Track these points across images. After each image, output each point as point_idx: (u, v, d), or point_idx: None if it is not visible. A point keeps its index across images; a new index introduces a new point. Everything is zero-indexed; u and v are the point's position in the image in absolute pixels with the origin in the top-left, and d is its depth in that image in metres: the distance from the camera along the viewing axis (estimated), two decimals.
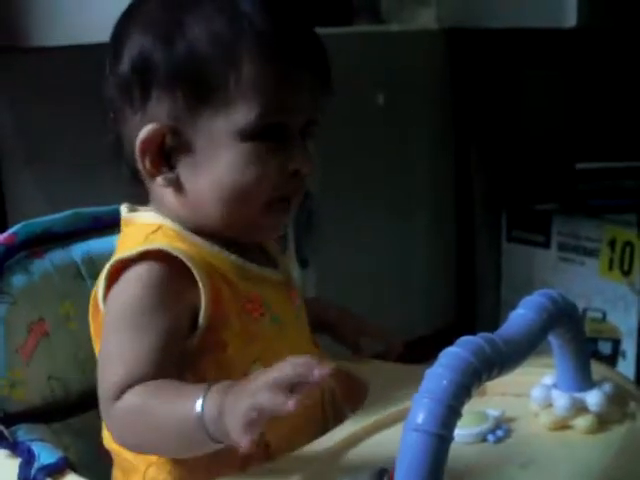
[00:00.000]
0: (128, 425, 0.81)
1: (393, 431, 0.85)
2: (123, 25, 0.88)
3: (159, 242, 0.85)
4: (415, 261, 2.30)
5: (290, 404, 0.71)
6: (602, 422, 0.87)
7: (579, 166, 2.27)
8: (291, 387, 0.73)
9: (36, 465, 0.85)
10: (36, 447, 0.88)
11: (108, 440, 0.90)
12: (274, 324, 0.89)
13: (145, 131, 0.85)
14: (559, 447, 0.85)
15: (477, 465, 0.82)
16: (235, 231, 0.89)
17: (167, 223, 0.88)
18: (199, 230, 0.88)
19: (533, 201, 2.28)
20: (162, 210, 0.89)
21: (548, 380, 0.91)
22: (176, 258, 0.83)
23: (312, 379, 0.72)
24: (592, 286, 2.19)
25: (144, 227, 0.88)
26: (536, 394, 0.90)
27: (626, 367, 2.16)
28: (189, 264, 0.83)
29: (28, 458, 0.86)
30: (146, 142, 0.85)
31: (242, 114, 0.83)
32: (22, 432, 0.90)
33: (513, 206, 2.31)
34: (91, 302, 0.88)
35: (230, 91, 0.83)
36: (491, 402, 0.91)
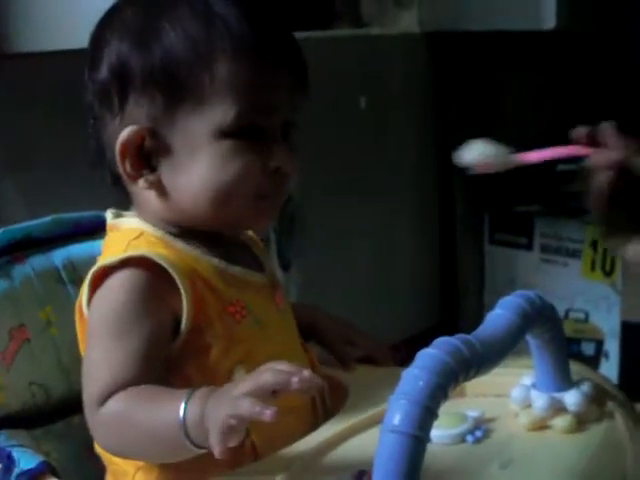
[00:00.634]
0: (111, 431, 0.81)
1: (372, 433, 0.85)
2: (100, 33, 0.89)
3: (141, 249, 0.85)
4: (398, 264, 2.31)
5: (268, 413, 0.71)
6: (581, 422, 0.88)
7: (560, 167, 2.28)
8: (272, 392, 0.73)
9: (16, 471, 0.85)
10: (16, 453, 0.88)
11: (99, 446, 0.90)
12: (257, 327, 0.89)
13: (124, 133, 0.85)
14: (538, 447, 0.85)
15: (456, 466, 0.82)
16: (220, 227, 0.90)
17: (149, 229, 0.88)
18: (183, 232, 0.88)
19: (515, 203, 2.29)
20: (144, 215, 0.90)
21: (527, 380, 0.92)
22: (158, 265, 0.83)
23: (292, 386, 0.72)
24: (575, 287, 2.20)
25: (127, 233, 0.89)
26: (515, 394, 0.91)
27: (609, 367, 2.17)
28: (170, 270, 0.83)
29: (8, 464, 0.86)
30: (125, 144, 0.86)
31: (219, 113, 0.84)
32: (2, 438, 0.90)
33: (495, 208, 2.32)
34: (76, 308, 0.89)
35: (206, 91, 0.84)
36: (471, 403, 0.91)
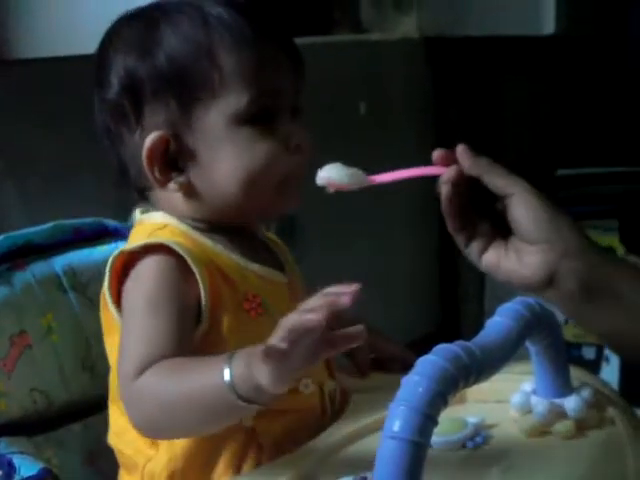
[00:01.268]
0: (149, 403, 0.81)
1: (373, 439, 0.85)
2: (103, 54, 0.91)
3: (161, 238, 0.87)
4: (398, 269, 2.31)
5: (317, 316, 0.71)
6: (581, 427, 0.88)
7: (560, 172, 2.29)
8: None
9: (17, 478, 0.86)
10: (17, 460, 0.88)
11: (112, 439, 0.91)
12: (273, 324, 0.90)
13: (148, 141, 0.87)
14: (538, 453, 0.85)
15: (456, 472, 0.82)
16: (249, 218, 0.92)
17: (173, 222, 0.90)
18: (207, 228, 0.90)
19: None
20: (174, 213, 0.91)
21: (527, 386, 0.92)
22: (176, 253, 0.85)
23: (341, 302, 0.72)
24: None
25: (151, 225, 0.91)
26: (515, 400, 0.91)
27: (610, 372, 2.17)
28: (187, 258, 0.85)
29: (8, 471, 0.87)
30: (151, 151, 0.87)
31: (232, 103, 0.86)
32: (3, 445, 0.90)
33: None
34: (101, 298, 0.90)
35: (215, 86, 0.86)
36: (471, 409, 0.92)
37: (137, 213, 0.94)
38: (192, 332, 0.85)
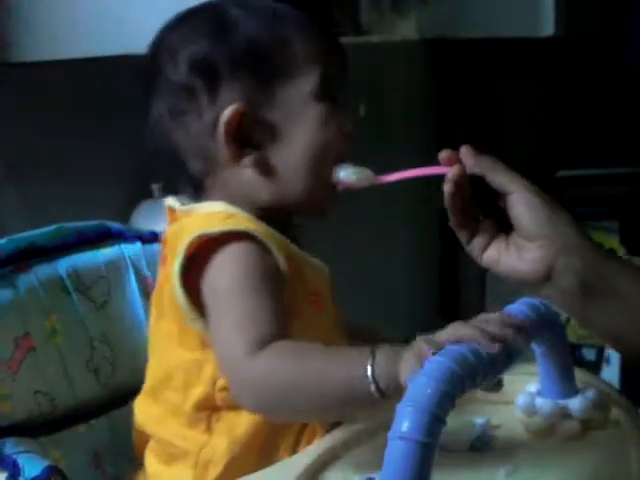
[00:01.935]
0: (268, 384, 0.80)
1: (380, 440, 0.85)
2: (168, 39, 0.93)
3: (242, 225, 0.87)
4: (398, 271, 2.31)
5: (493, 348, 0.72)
6: (586, 428, 0.88)
7: (560, 174, 2.29)
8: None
9: (21, 479, 0.85)
10: (21, 460, 0.88)
11: (152, 428, 0.92)
12: (328, 318, 0.92)
13: (227, 114, 0.88)
14: (544, 453, 0.86)
15: (462, 472, 0.82)
16: (310, 205, 0.93)
17: (238, 212, 0.90)
18: (267, 216, 0.90)
19: None
20: (231, 199, 0.91)
21: (532, 388, 0.92)
22: (260, 241, 0.85)
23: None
24: None
25: (214, 214, 0.90)
26: (521, 401, 0.91)
27: (610, 373, 2.17)
28: (271, 247, 0.85)
29: (13, 471, 0.86)
30: (229, 125, 0.88)
31: (307, 81, 0.90)
32: (9, 445, 0.90)
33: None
34: (160, 280, 0.91)
35: (290, 64, 0.90)
36: (477, 410, 0.91)
37: (174, 203, 0.94)
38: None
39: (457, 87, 2.30)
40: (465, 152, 0.88)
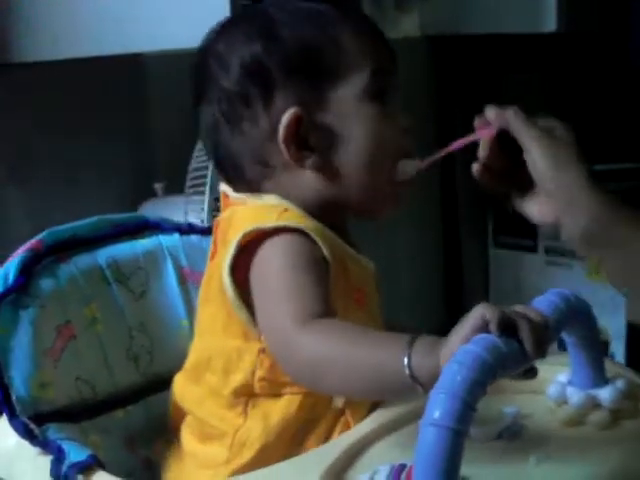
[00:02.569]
0: (312, 357, 0.81)
1: (411, 428, 0.86)
2: (216, 46, 0.93)
3: (294, 221, 0.87)
4: (402, 269, 2.28)
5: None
6: (616, 418, 0.89)
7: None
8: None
9: (66, 462, 0.88)
10: (65, 445, 0.90)
11: (192, 407, 0.94)
12: (368, 316, 0.92)
13: (286, 118, 0.89)
14: (574, 443, 0.86)
15: (493, 462, 0.83)
16: (372, 204, 0.94)
17: (292, 207, 0.90)
18: (320, 215, 0.91)
19: None
20: (289, 200, 0.91)
21: (563, 377, 0.93)
22: (309, 235, 0.86)
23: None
24: (580, 289, 2.15)
25: (269, 207, 0.91)
26: (551, 391, 0.92)
27: None
28: (322, 246, 0.86)
29: (58, 456, 0.89)
30: (289, 128, 0.89)
31: (358, 79, 0.91)
32: (52, 431, 0.92)
33: (499, 211, 2.30)
34: (210, 269, 0.92)
35: (341, 64, 0.90)
36: (507, 399, 0.92)
37: (228, 189, 0.95)
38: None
39: (459, 83, 2.29)
40: (489, 110, 0.92)
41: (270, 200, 0.92)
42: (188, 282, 1.10)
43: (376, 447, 0.87)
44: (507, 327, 0.72)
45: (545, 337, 0.74)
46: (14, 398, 0.92)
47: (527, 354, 0.72)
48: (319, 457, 0.84)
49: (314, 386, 0.85)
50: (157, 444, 1.00)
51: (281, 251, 0.86)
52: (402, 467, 0.76)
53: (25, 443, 0.91)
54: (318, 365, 0.81)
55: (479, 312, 0.74)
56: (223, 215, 0.95)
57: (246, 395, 0.90)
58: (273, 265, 0.86)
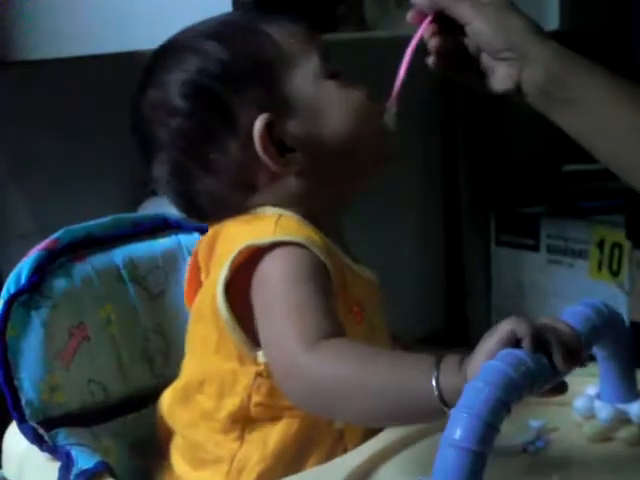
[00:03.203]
0: (328, 379, 0.77)
1: (427, 443, 0.84)
2: (148, 93, 0.90)
3: (291, 231, 0.85)
4: (403, 267, 2.26)
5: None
6: None
7: (566, 168, 2.26)
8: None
9: (74, 470, 0.86)
10: (75, 451, 0.88)
11: (186, 430, 0.91)
12: (369, 330, 0.89)
13: (257, 129, 0.86)
14: (600, 459, 0.84)
15: (517, 477, 0.81)
16: (364, 167, 0.92)
17: (287, 213, 0.88)
18: (315, 218, 0.88)
19: (521, 204, 2.26)
20: (284, 206, 0.89)
21: (591, 390, 0.90)
22: (309, 247, 0.83)
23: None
24: (582, 287, 2.15)
25: (264, 218, 0.87)
26: (579, 404, 0.90)
27: None
28: (325, 261, 0.83)
29: (67, 462, 0.87)
30: (263, 138, 0.86)
31: (308, 62, 0.90)
32: (62, 436, 0.90)
33: (501, 210, 2.30)
34: (206, 287, 0.89)
35: (285, 55, 0.89)
36: (533, 412, 0.89)
37: None
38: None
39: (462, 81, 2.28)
40: (420, 1, 0.95)
41: (262, 210, 0.89)
42: None
43: (394, 460, 0.84)
44: (538, 343, 0.69)
45: (576, 353, 0.70)
46: (23, 402, 0.90)
47: (556, 371, 0.68)
48: (335, 470, 0.82)
49: (325, 413, 0.82)
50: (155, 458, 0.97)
51: (282, 265, 0.83)
52: None
53: (35, 448, 0.90)
54: (331, 390, 0.77)
55: (509, 326, 0.70)
56: (203, 237, 0.92)
57: (242, 419, 0.87)
58: (274, 281, 0.83)
